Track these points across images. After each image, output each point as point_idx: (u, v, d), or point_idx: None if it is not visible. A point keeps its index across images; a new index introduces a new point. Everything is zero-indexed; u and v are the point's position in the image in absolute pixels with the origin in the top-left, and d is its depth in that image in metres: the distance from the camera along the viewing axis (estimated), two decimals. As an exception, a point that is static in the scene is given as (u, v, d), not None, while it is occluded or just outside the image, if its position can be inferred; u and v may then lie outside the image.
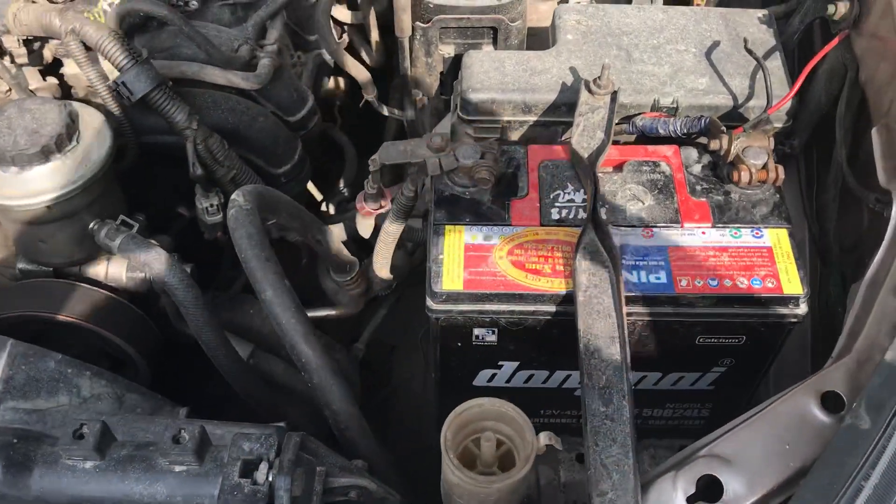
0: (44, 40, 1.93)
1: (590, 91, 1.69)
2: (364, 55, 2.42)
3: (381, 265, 1.83)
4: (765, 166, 1.54)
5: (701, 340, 1.54)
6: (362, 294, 2.10)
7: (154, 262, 1.63)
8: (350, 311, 2.18)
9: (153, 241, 1.68)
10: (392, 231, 1.71)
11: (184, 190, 1.97)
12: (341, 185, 2.66)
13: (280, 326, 1.42)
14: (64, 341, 1.70)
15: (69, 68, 1.97)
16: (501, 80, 1.79)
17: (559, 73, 1.81)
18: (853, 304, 1.42)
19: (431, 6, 1.90)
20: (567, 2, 2.21)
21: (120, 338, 1.72)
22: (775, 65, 1.83)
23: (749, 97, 1.78)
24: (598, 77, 1.67)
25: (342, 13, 2.47)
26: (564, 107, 1.77)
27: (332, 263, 2.00)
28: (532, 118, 1.81)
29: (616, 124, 1.73)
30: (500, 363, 1.63)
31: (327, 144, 2.68)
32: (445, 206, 1.58)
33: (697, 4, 2.11)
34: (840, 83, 1.80)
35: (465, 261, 1.50)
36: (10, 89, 1.87)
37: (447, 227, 1.55)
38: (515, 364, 1.63)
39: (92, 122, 1.69)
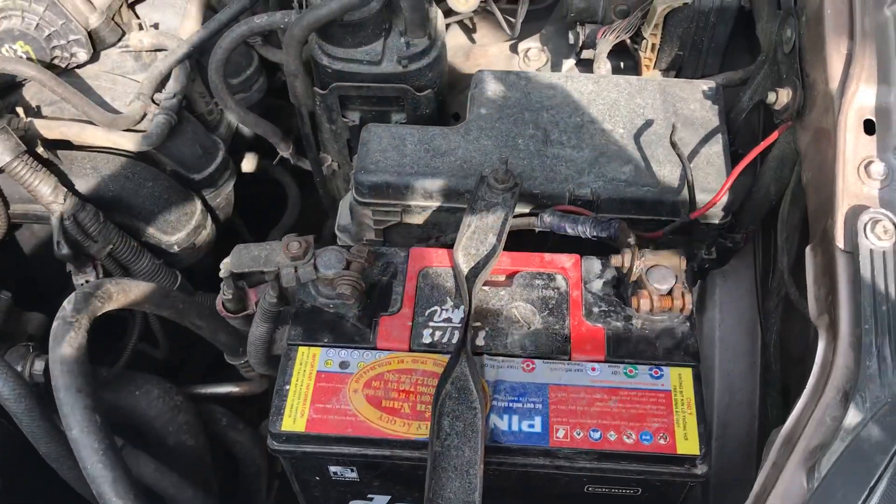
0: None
1: (487, 185, 1.47)
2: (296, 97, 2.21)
3: (258, 365, 1.63)
4: (670, 292, 1.31)
5: (590, 489, 1.32)
6: (263, 374, 1.90)
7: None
8: (256, 389, 1.99)
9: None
10: (259, 335, 1.51)
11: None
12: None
13: (86, 471, 1.23)
14: None
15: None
16: (399, 161, 1.58)
17: (465, 155, 1.59)
18: (765, 457, 1.20)
19: (329, 71, 1.69)
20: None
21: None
22: (714, 150, 1.59)
23: (679, 189, 1.55)
24: (498, 169, 1.46)
25: (274, 54, 2.27)
26: (469, 194, 1.56)
27: (221, 346, 1.80)
28: (435, 203, 1.60)
29: (523, 216, 1.52)
30: (369, 496, 1.43)
31: (269, 184, 2.49)
32: (303, 321, 1.37)
33: (646, 67, 1.87)
34: (791, 173, 1.56)
35: (313, 393, 1.29)
36: None
37: (301, 348, 1.34)
38: (387, 498, 1.43)
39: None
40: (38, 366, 1.61)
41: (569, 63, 2.11)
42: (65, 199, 1.68)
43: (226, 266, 1.40)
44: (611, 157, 1.58)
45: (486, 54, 2.25)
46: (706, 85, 1.69)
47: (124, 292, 1.48)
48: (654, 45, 1.83)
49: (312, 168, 1.92)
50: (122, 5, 1.96)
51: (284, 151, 2.04)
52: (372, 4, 1.60)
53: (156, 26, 2.07)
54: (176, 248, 1.92)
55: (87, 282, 1.75)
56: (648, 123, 1.62)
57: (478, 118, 1.65)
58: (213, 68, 1.78)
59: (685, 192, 1.54)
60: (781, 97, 1.43)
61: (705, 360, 1.78)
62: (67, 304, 1.35)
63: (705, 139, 1.61)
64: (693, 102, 1.66)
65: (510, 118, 1.64)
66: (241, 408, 2.07)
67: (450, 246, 1.49)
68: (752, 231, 1.70)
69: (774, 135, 1.46)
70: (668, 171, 1.56)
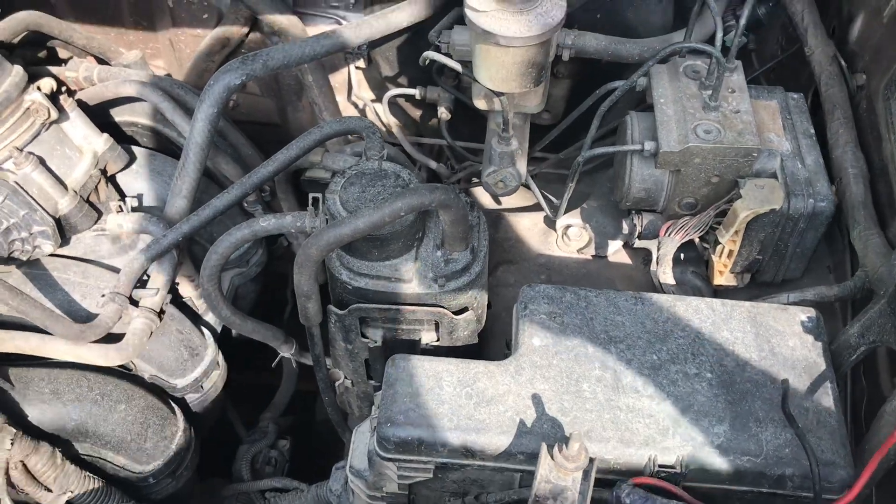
0: None
1: (553, 459, 1.15)
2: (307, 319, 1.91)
3: None
4: None
5: None
6: None
7: None
8: None
9: None
10: None
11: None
12: (266, 418, 2.15)
13: None
14: None
15: None
16: (434, 410, 1.27)
17: (517, 404, 1.28)
18: None
19: (349, 288, 1.38)
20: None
21: None
22: (825, 406, 1.29)
23: (789, 461, 1.23)
24: (566, 443, 1.14)
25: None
26: (522, 455, 1.25)
27: None
28: (475, 462, 1.28)
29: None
30: None
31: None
32: None
33: (719, 273, 1.58)
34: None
35: None
36: None
37: None
38: None
39: None
40: None
41: (615, 245, 1.83)
42: (11, 444, 1.34)
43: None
44: (699, 413, 1.27)
45: (517, 226, 1.97)
46: (804, 314, 1.39)
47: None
48: (731, 251, 1.55)
49: (321, 386, 1.60)
50: (98, 182, 1.66)
51: (287, 352, 1.72)
52: (404, 217, 1.31)
53: (139, 198, 1.78)
54: (152, 480, 1.58)
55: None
56: (742, 366, 1.32)
57: (530, 352, 1.34)
58: (207, 275, 1.47)
59: (794, 464, 1.23)
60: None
61: None
62: None
63: (812, 389, 1.31)
64: (791, 338, 1.36)
65: (570, 352, 1.34)
66: None
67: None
68: None
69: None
70: (770, 434, 1.25)
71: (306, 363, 1.80)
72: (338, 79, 2.22)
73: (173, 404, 1.64)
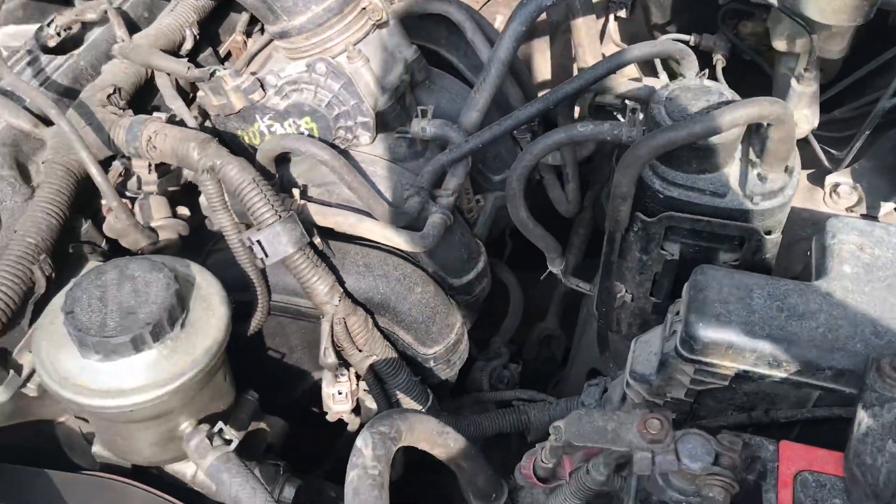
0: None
1: (881, 375, 1.17)
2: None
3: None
4: None
5: None
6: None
7: (244, 496, 1.24)
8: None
9: (251, 471, 1.28)
10: (562, 508, 1.25)
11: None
12: (497, 341, 2.24)
13: None
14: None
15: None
16: (746, 317, 1.30)
17: (829, 322, 1.30)
18: None
19: (661, 197, 1.44)
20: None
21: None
22: None
23: None
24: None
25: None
26: (829, 371, 1.26)
27: (475, 489, 1.55)
28: (779, 374, 1.31)
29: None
30: None
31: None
32: (649, 522, 1.10)
33: None
34: None
35: None
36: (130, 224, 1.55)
37: (647, 557, 1.06)
38: None
39: (207, 295, 1.33)
40: (289, 492, 1.39)
41: (888, 206, 1.81)
42: (339, 301, 1.48)
43: (558, 433, 1.14)
44: None
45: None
46: None
47: (410, 429, 1.25)
48: None
49: (599, 296, 1.66)
50: (406, 89, 1.78)
51: (556, 267, 1.80)
52: (735, 129, 1.35)
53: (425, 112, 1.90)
54: (432, 363, 1.69)
55: (339, 392, 1.54)
56: None
57: (841, 277, 1.35)
58: (517, 174, 1.56)
59: None
60: None
61: None
62: (364, 447, 1.13)
63: None
64: None
65: (882, 283, 1.34)
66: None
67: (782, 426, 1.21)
68: None
69: None
70: None
71: (575, 288, 1.88)
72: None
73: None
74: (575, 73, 2.06)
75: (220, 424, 1.30)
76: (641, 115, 1.52)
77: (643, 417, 1.10)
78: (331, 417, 1.64)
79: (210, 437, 1.28)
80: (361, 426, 1.31)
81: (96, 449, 1.43)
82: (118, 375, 1.21)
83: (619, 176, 1.41)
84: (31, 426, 1.51)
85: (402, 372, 1.61)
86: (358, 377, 1.60)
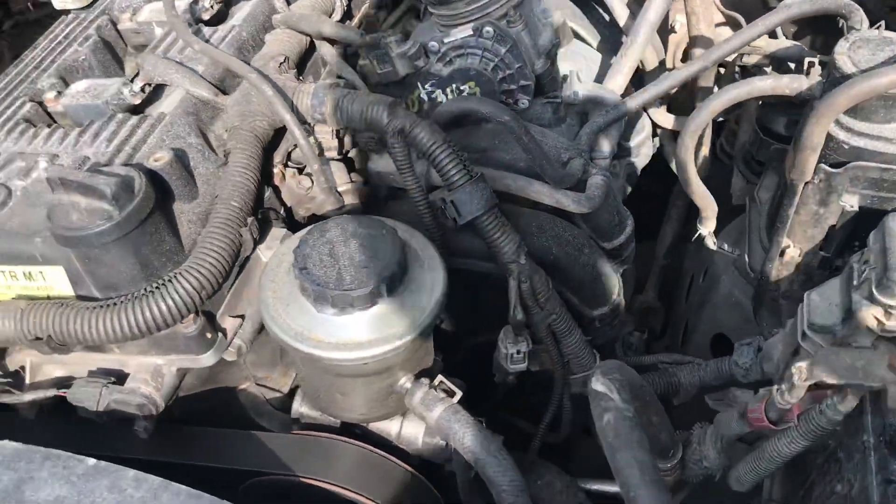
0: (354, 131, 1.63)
1: None
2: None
3: (753, 480, 1.38)
4: None
5: None
6: (676, 485, 1.65)
7: (476, 445, 1.26)
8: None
9: (480, 421, 1.30)
10: (788, 452, 1.27)
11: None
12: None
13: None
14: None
15: (376, 165, 1.66)
16: (950, 263, 1.32)
17: None
18: None
19: (846, 147, 1.46)
20: None
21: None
22: None
23: None
24: None
25: (663, 117, 2.08)
26: None
27: (656, 445, 1.56)
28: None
29: None
30: None
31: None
32: None
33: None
34: None
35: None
36: (312, 185, 1.57)
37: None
38: None
39: (423, 254, 1.35)
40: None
41: None
42: (525, 260, 1.49)
43: (802, 372, 1.16)
44: None
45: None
46: None
47: (636, 386, 1.27)
48: None
49: (770, 252, 1.68)
50: (555, 53, 1.80)
51: (708, 229, 1.82)
52: (930, 77, 1.36)
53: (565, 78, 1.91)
54: (597, 325, 1.71)
55: (518, 352, 1.55)
56: None
57: None
58: (691, 130, 1.58)
59: None
60: None
61: None
62: (610, 392, 1.15)
63: None
64: None
65: None
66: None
67: None
68: None
69: None
70: None
71: (713, 248, 1.90)
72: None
73: (606, 259, 1.77)
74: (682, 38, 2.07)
75: (439, 377, 1.32)
76: (820, 69, 1.53)
77: (893, 354, 1.12)
78: (499, 378, 1.66)
79: (434, 393, 1.29)
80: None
81: (302, 409, 1.44)
82: (353, 328, 1.23)
83: (811, 127, 1.43)
84: (214, 393, 1.54)
85: (576, 331, 1.62)
86: (532, 338, 1.62)
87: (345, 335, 1.23)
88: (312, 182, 1.56)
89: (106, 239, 1.22)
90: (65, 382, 1.47)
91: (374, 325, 1.24)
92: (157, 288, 1.26)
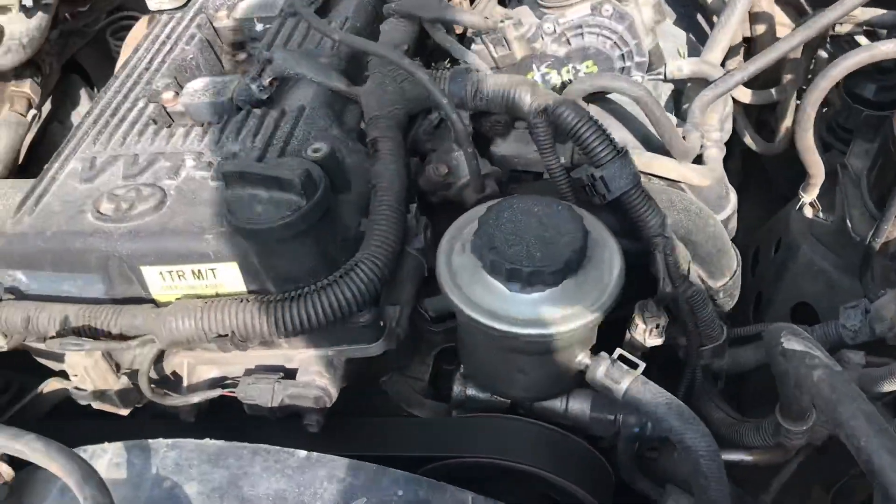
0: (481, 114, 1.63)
1: None
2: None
3: None
4: None
5: None
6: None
7: (671, 414, 1.27)
8: (777, 460, 1.76)
9: (666, 392, 1.31)
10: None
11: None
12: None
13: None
14: (509, 487, 1.38)
15: (500, 148, 1.67)
16: None
17: None
18: None
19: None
20: None
21: (581, 488, 1.38)
22: None
23: None
24: None
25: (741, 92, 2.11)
26: None
27: (788, 405, 1.59)
28: None
29: None
30: None
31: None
32: None
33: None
34: None
35: None
36: (448, 171, 1.56)
37: None
38: None
39: (594, 231, 1.35)
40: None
41: None
42: (670, 233, 1.51)
43: None
44: None
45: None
46: None
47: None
48: None
49: (886, 215, 1.71)
50: (654, 29, 1.82)
51: (811, 196, 1.85)
52: None
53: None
54: (721, 296, 1.73)
55: (657, 326, 1.57)
56: None
57: None
58: (812, 100, 1.61)
59: None
60: None
61: None
62: (812, 349, 1.17)
63: None
64: None
65: None
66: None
67: None
68: None
69: None
70: None
71: (809, 215, 1.93)
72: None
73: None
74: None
75: (618, 351, 1.33)
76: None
77: None
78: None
79: (618, 366, 1.30)
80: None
81: (469, 392, 1.44)
82: (545, 305, 1.23)
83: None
84: (364, 384, 1.53)
85: (709, 303, 1.64)
86: (667, 310, 1.63)
87: (537, 312, 1.23)
88: (449, 168, 1.56)
89: (293, 230, 1.21)
90: (220, 383, 1.46)
91: (565, 301, 1.24)
92: (340, 277, 1.25)
